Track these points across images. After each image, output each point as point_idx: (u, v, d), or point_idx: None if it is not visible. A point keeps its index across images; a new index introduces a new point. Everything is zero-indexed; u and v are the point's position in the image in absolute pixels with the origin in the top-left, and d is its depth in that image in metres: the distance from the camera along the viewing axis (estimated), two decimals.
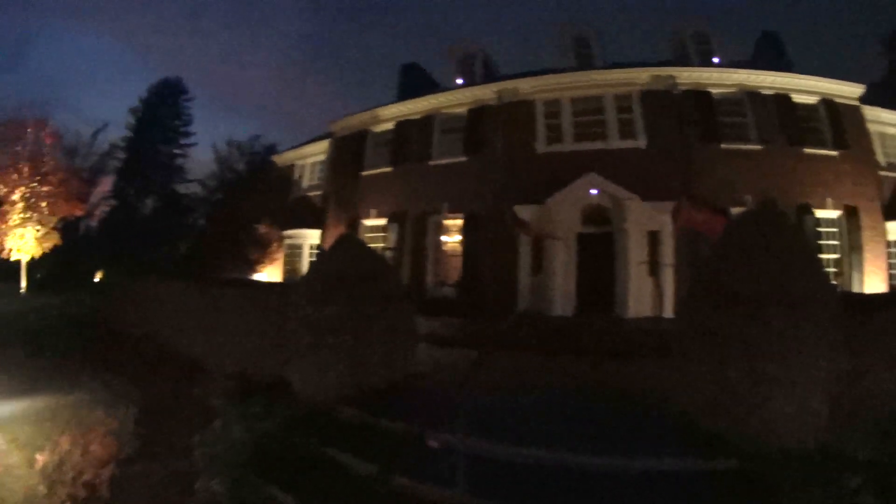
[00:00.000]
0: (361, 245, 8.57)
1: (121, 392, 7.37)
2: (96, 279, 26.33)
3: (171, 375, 8.72)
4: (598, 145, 15.04)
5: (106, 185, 33.45)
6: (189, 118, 37.39)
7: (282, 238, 21.31)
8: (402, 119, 18.23)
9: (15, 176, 19.28)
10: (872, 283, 14.65)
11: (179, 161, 36.74)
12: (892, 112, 17.18)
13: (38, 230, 19.74)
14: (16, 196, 19.28)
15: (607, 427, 5.65)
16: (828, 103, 15.76)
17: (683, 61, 17.19)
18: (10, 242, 19.48)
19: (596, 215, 14.42)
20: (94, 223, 32.95)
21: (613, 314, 13.50)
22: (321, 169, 21.48)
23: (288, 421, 5.86)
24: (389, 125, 18.57)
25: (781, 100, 15.57)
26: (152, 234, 26.28)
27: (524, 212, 14.73)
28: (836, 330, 5.32)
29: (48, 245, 20.36)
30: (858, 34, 59.08)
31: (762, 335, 5.16)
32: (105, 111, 71.91)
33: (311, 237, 20.49)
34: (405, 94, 19.68)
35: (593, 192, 14.12)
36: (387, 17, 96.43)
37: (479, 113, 16.66)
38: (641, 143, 14.82)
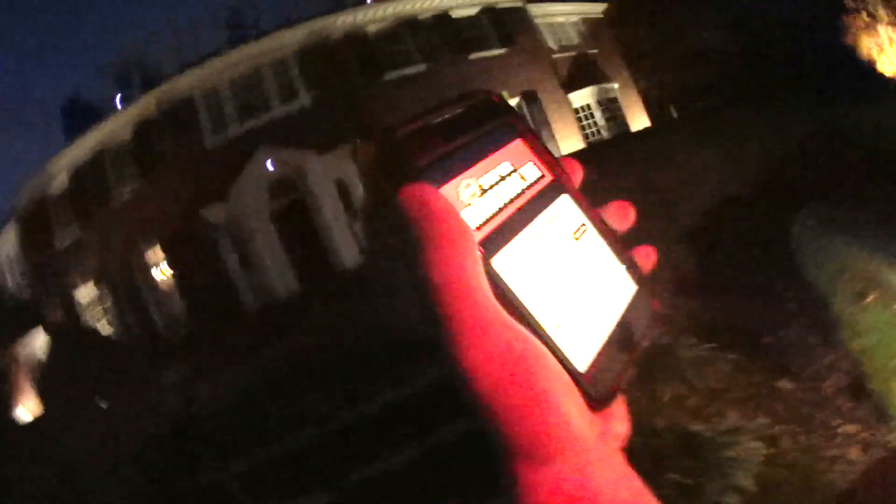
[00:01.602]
0: None
1: None
2: None
3: None
4: (266, 118, 14.41)
5: None
6: None
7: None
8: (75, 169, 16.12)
9: None
10: (568, 146, 15.73)
11: None
12: (559, 4, 18.50)
13: None
14: None
15: None
16: (490, 10, 16.43)
17: (337, 7, 16.97)
18: None
19: (285, 186, 13.69)
20: None
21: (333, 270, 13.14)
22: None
23: None
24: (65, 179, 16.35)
25: (441, 19, 15.99)
26: None
27: (214, 213, 13.57)
28: None
29: None
30: None
31: None
32: None
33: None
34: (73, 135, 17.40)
35: (269, 166, 13.32)
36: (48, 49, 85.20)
37: (145, 128, 15.15)
38: (305, 101, 14.40)
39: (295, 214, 13.60)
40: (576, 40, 18.92)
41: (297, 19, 16.43)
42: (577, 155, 14.41)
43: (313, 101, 14.43)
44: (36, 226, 16.84)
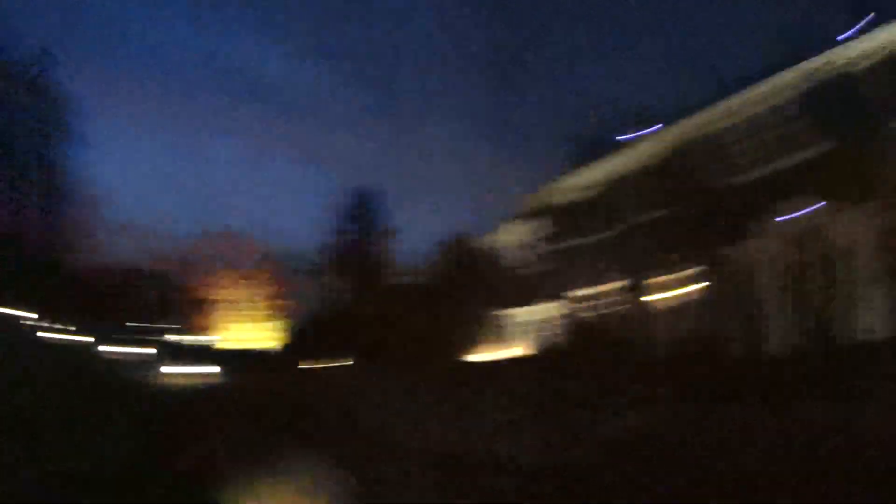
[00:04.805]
0: None
1: None
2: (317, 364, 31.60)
3: None
4: (776, 166, 15.52)
5: (323, 283, 38.82)
6: (387, 215, 41.42)
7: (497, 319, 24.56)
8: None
9: (230, 280, 28.17)
10: None
11: (386, 257, 40.88)
12: None
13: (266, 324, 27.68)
14: (237, 297, 27.94)
15: None
16: None
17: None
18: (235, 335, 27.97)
19: (800, 240, 14.60)
20: (320, 315, 37.67)
21: None
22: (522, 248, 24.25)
23: None
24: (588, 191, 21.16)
25: None
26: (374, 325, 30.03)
27: (728, 252, 15.82)
28: None
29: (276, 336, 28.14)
30: None
31: None
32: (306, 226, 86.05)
33: (525, 315, 23.29)
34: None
35: (783, 218, 14.66)
36: None
37: (661, 165, 18.68)
38: (813, 151, 14.69)
39: (809, 272, 14.26)
40: None
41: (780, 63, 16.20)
42: None
43: (822, 152, 14.59)
44: (550, 224, 22.07)
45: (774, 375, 10.75)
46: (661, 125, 19.34)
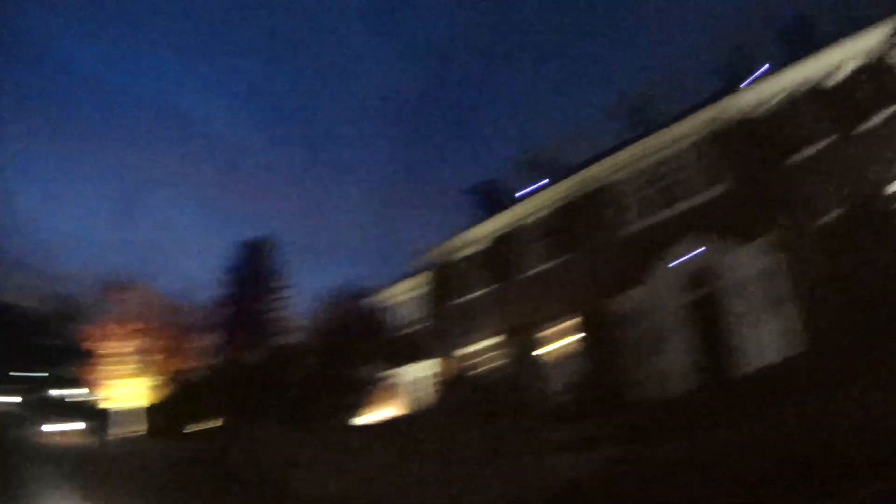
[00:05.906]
0: None
1: None
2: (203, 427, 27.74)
3: None
4: (678, 208, 15.42)
5: (211, 339, 36.30)
6: (280, 273, 39.97)
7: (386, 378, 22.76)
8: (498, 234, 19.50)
9: (119, 331, 24.81)
10: None
11: (277, 315, 38.98)
12: None
13: (149, 380, 25.51)
14: (123, 350, 24.86)
15: None
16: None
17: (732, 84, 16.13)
18: (114, 391, 25.17)
19: (700, 278, 14.32)
20: (204, 374, 35.04)
21: None
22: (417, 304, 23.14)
23: None
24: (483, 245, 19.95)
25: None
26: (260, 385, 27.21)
27: (625, 299, 15.15)
28: None
29: (161, 394, 25.97)
30: None
31: None
32: (201, 273, 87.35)
33: (416, 372, 21.74)
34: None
35: (686, 257, 14.52)
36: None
37: (563, 212, 17.81)
38: (716, 190, 14.74)
39: (707, 309, 13.98)
40: None
41: (693, 106, 16.54)
42: None
43: (723, 191, 14.56)
44: (446, 279, 20.95)
45: (682, 410, 11.35)
46: (548, 180, 19.45)
